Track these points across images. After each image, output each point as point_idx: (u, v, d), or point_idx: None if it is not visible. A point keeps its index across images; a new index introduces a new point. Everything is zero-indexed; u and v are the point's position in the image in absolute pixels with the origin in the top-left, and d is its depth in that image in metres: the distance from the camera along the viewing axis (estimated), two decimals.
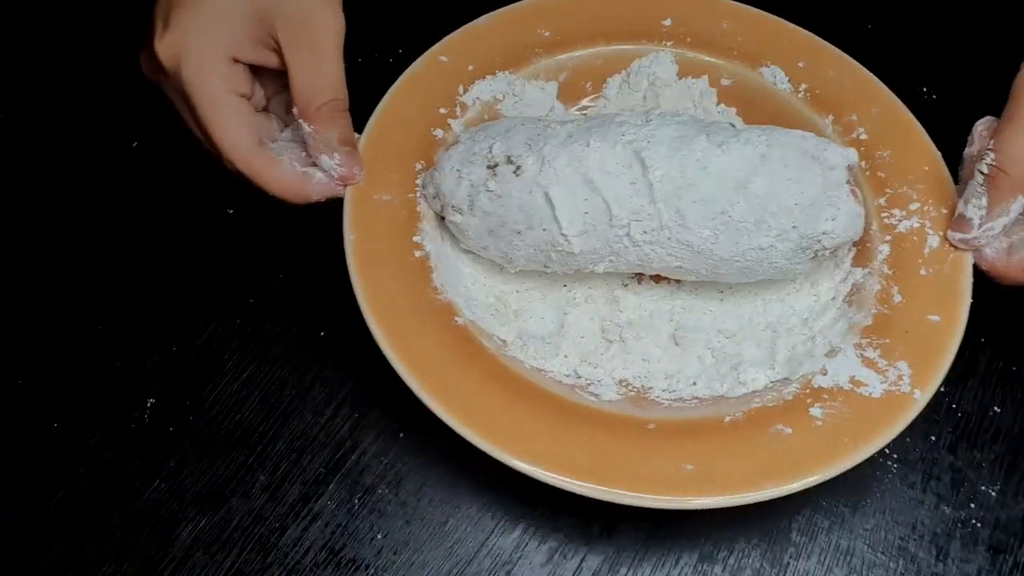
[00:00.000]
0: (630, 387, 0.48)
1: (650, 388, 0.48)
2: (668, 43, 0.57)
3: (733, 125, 0.48)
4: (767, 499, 0.41)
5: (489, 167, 0.47)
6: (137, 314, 0.53)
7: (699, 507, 0.41)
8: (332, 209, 0.57)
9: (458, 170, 0.48)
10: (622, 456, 0.42)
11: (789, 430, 0.43)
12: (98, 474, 0.48)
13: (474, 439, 0.42)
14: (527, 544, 0.46)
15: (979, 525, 0.47)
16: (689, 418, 0.45)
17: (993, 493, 0.48)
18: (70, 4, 0.63)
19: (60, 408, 0.50)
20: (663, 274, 0.49)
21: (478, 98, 0.54)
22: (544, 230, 0.47)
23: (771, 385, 0.47)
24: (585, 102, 0.58)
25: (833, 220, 0.46)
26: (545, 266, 0.49)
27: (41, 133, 0.60)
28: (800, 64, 0.55)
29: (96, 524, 0.47)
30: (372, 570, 0.46)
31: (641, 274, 0.51)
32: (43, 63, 0.62)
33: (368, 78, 0.63)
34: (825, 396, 0.44)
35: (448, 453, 0.48)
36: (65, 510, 0.47)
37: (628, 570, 0.46)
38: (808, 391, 0.45)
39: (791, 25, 0.57)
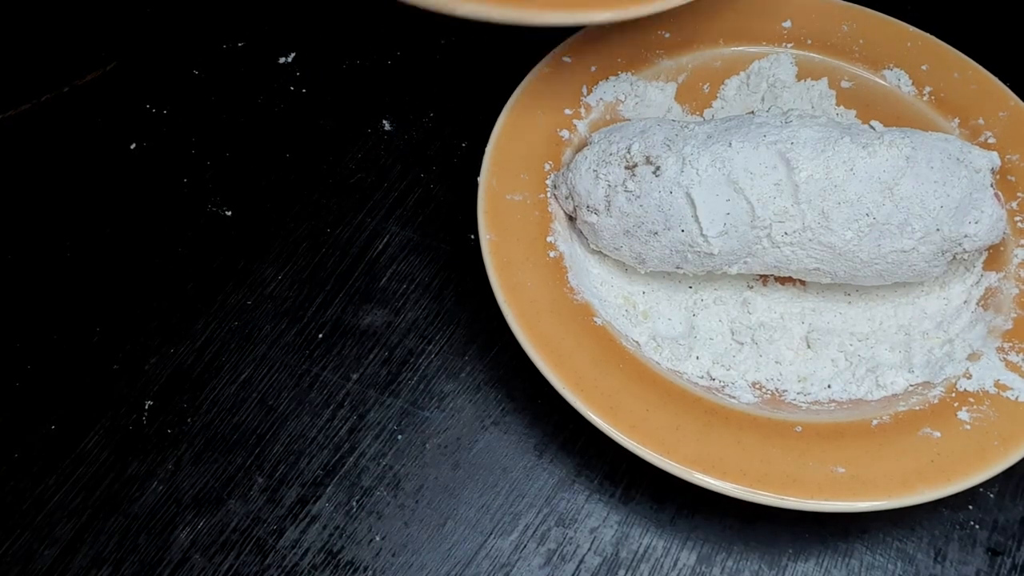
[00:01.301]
0: (764, 390, 0.48)
1: (784, 391, 0.48)
2: (788, 45, 0.57)
3: (873, 127, 0.48)
4: (922, 502, 0.42)
5: (627, 167, 0.47)
6: (135, 316, 0.53)
7: (855, 511, 0.42)
8: (331, 213, 0.57)
9: (595, 170, 0.48)
10: (773, 459, 0.43)
11: (938, 434, 0.43)
12: (95, 476, 0.48)
13: (621, 439, 0.43)
14: (525, 546, 0.46)
15: (977, 527, 0.47)
16: (836, 421, 0.45)
17: (991, 495, 0.48)
18: (69, 4, 0.63)
19: (57, 410, 0.50)
20: (797, 276, 0.49)
21: (601, 99, 0.55)
22: (683, 231, 0.47)
23: (911, 388, 0.47)
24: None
25: (976, 223, 0.46)
26: (678, 267, 0.49)
27: (40, 134, 0.60)
28: (924, 67, 0.56)
29: (93, 527, 0.47)
30: (370, 572, 0.46)
31: (766, 276, 0.52)
32: (43, 64, 0.62)
33: (367, 79, 0.64)
34: (971, 400, 0.45)
35: (446, 454, 0.48)
36: (62, 513, 0.47)
37: (626, 572, 0.46)
38: (954, 395, 0.45)
39: (913, 28, 0.57)
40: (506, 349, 0.52)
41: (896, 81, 0.56)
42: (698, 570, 0.46)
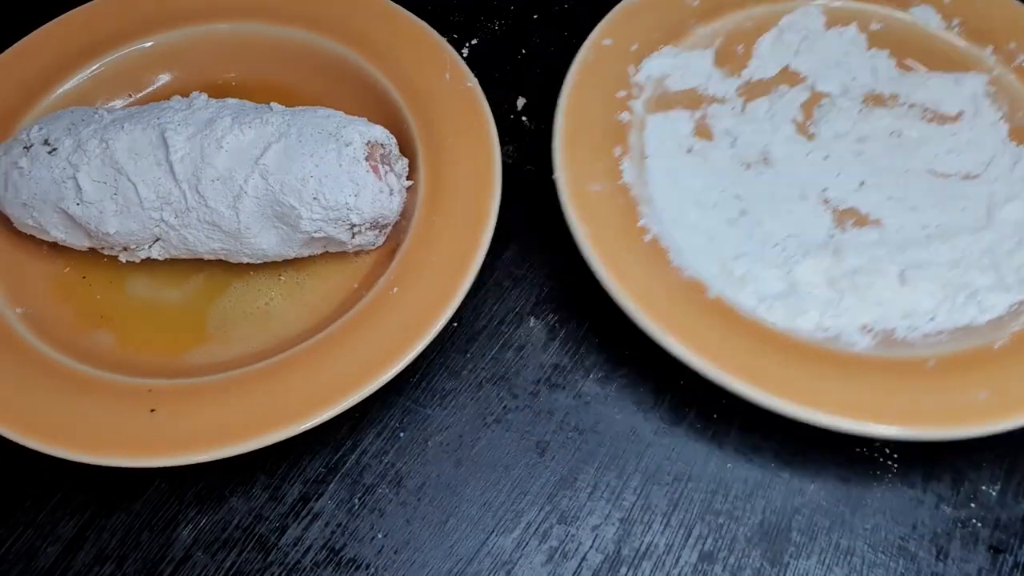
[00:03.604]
0: (874, 332, 0.49)
1: (893, 329, 0.49)
2: None
3: (271, 108, 0.50)
4: None
5: (25, 147, 0.49)
6: None
7: (1014, 428, 0.44)
8: None
9: (1, 155, 0.50)
10: (924, 398, 0.45)
11: None
12: (98, 474, 0.48)
13: (754, 394, 0.45)
14: (527, 544, 0.46)
15: (979, 525, 0.47)
16: (960, 350, 0.47)
17: (993, 493, 0.48)
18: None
19: None
20: (212, 257, 0.50)
21: (650, 76, 0.56)
22: (78, 204, 0.48)
23: (1015, 307, 0.49)
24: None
25: (356, 196, 0.47)
26: (89, 238, 0.50)
27: None
28: (947, 0, 0.58)
29: (96, 524, 0.47)
30: (372, 569, 0.46)
31: (844, 220, 0.53)
32: None
33: None
34: None
35: (448, 452, 0.48)
36: (65, 510, 0.47)
37: (628, 570, 0.46)
38: None
39: None
40: (507, 347, 0.52)
41: (925, 18, 0.58)
42: (700, 568, 0.46)
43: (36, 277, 0.52)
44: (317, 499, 0.47)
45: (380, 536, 0.46)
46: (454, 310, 0.47)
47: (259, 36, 0.59)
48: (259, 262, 0.50)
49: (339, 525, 0.47)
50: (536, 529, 0.47)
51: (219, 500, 0.47)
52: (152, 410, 0.45)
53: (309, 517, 0.47)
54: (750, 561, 0.46)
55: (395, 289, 0.48)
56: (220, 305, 0.51)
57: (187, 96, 0.51)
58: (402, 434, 0.49)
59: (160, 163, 0.47)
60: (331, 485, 0.48)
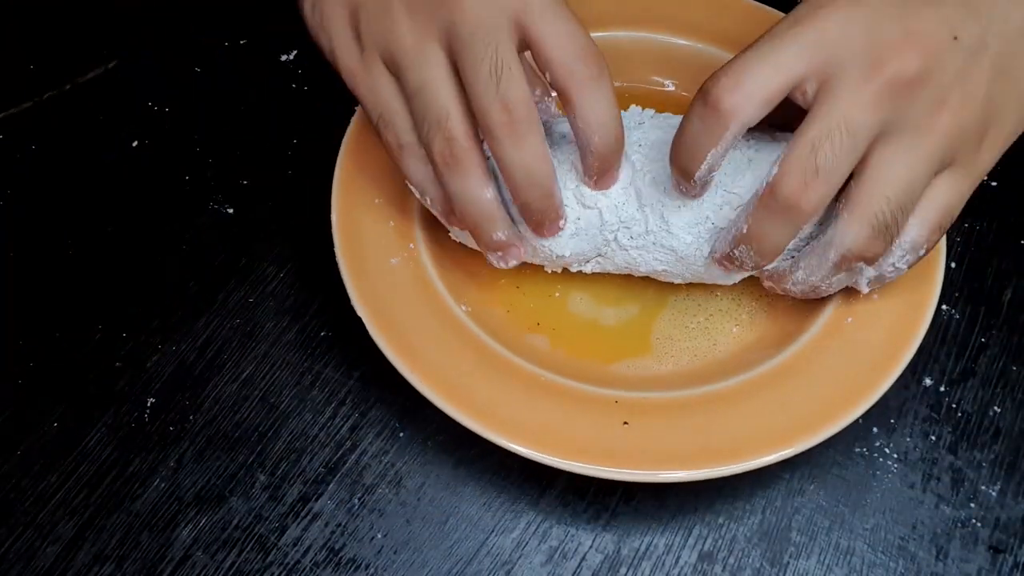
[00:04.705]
0: None
1: None
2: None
3: None
4: None
5: None
6: (136, 314, 0.53)
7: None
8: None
9: None
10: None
11: None
12: (97, 474, 0.48)
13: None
14: (527, 544, 0.46)
15: (979, 525, 0.47)
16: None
17: (993, 493, 0.48)
18: (71, 3, 0.63)
19: (59, 408, 0.50)
20: (651, 276, 0.49)
21: None
22: None
23: None
24: None
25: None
26: (531, 259, 0.49)
27: (42, 132, 0.60)
28: None
29: (95, 524, 0.47)
30: (372, 569, 0.46)
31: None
32: (44, 62, 0.62)
33: None
34: None
35: (448, 452, 0.48)
36: (64, 510, 0.47)
37: (628, 570, 0.46)
38: None
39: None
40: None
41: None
42: (700, 568, 0.46)
43: (465, 281, 0.51)
44: (317, 499, 0.47)
45: (380, 536, 0.47)
46: (917, 346, 0.46)
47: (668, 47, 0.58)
48: (686, 283, 0.50)
49: (339, 525, 0.47)
50: (536, 529, 0.47)
51: (218, 500, 0.47)
52: (625, 423, 0.44)
53: (309, 517, 0.47)
54: (750, 561, 0.46)
55: (849, 319, 0.47)
56: (660, 319, 0.51)
57: (624, 110, 0.49)
58: (402, 434, 0.49)
59: (624, 186, 0.46)
60: (331, 485, 0.48)
